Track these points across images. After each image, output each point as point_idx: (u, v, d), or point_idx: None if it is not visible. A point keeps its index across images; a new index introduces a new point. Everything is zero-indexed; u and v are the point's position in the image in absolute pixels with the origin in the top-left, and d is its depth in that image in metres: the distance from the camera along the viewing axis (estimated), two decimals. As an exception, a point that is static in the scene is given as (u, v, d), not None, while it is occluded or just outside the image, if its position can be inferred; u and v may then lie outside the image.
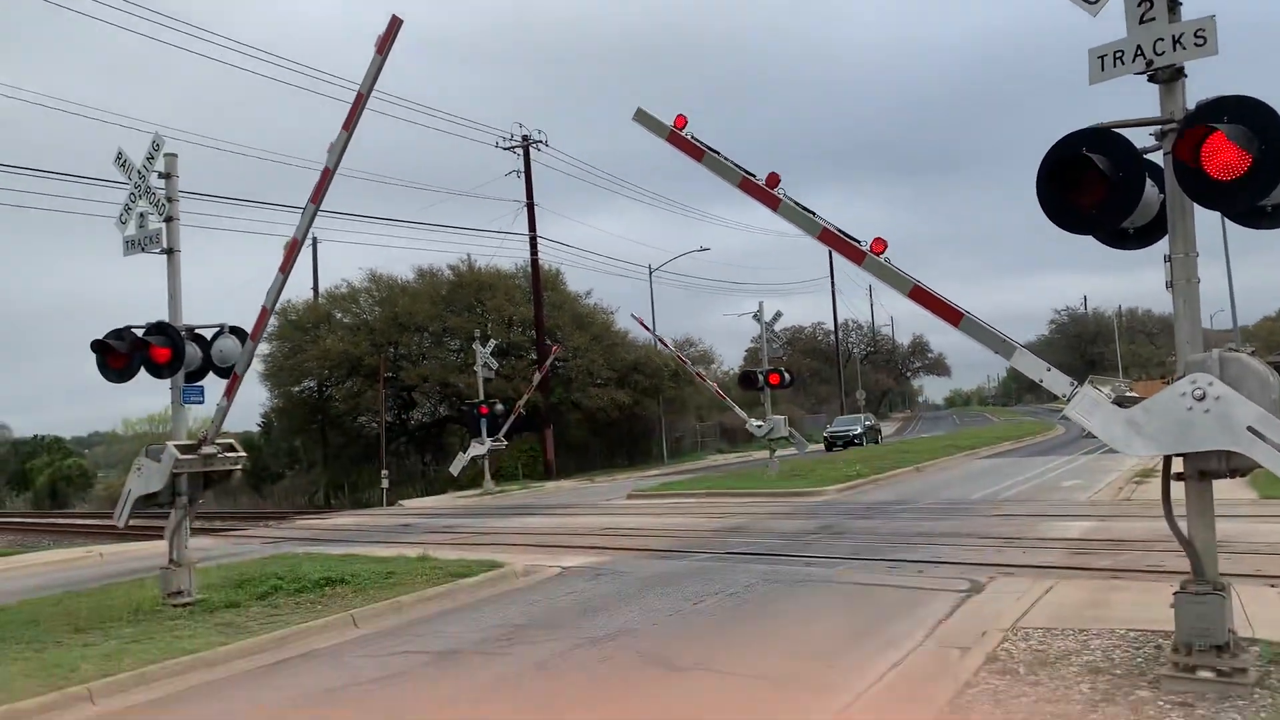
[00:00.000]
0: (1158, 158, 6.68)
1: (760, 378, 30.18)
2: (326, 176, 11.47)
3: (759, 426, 29.70)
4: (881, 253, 7.60)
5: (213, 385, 12.82)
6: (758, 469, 32.57)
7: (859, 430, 53.68)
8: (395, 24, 10.70)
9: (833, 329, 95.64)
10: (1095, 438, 6.65)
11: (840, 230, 7.96)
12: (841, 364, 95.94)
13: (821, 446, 51.84)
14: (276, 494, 51.05)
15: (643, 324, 37.35)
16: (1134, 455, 6.31)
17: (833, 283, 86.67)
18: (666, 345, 39.15)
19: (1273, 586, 9.27)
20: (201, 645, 9.45)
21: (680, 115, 8.77)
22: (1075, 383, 6.61)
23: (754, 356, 66.62)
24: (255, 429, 56.12)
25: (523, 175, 43.58)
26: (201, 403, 12.97)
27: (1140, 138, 6.69)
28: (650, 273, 59.17)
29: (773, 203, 8.28)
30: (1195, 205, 6.51)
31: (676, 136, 8.67)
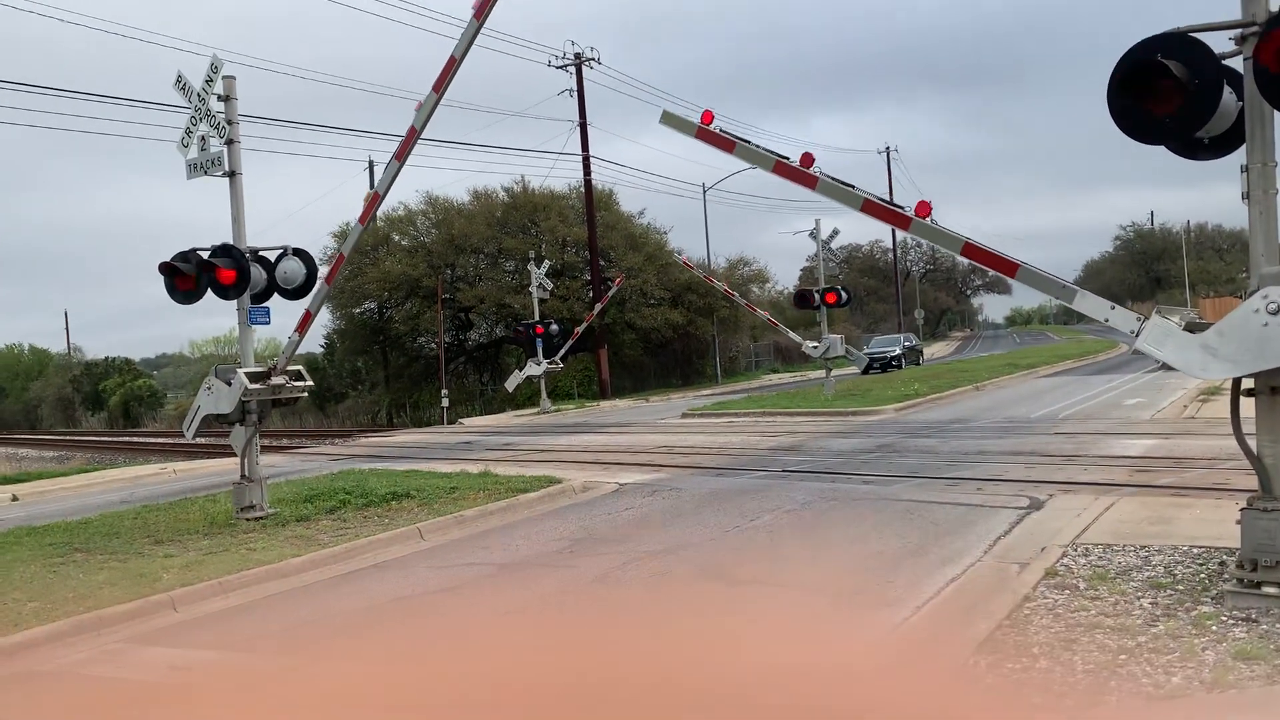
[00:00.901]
0: (1237, 63, 6.44)
1: (816, 297, 29.89)
2: (412, 136, 11.62)
3: (814, 347, 29.57)
4: (927, 216, 7.65)
5: (278, 306, 13.08)
6: (814, 388, 32.51)
7: (897, 351, 50.74)
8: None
9: (891, 247, 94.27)
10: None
11: (882, 199, 8.12)
12: (900, 283, 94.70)
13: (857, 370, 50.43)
14: (341, 413, 52.16)
15: (688, 264, 37.23)
16: (1213, 379, 6.19)
17: (891, 198, 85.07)
18: (715, 283, 38.41)
19: (1342, 505, 9.12)
20: (274, 557, 9.81)
21: (707, 111, 8.80)
22: (1142, 316, 6.47)
23: (810, 275, 65.96)
24: (319, 350, 57.18)
25: (575, 94, 43.10)
26: (267, 323, 13.25)
27: (1219, 43, 6.44)
28: (704, 192, 58.59)
29: (810, 182, 8.38)
30: (1276, 113, 6.29)
31: (705, 132, 8.72)
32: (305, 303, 12.90)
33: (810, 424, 22.74)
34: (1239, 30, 6.33)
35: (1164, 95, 6.23)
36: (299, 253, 12.78)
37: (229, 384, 12.08)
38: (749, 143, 8.65)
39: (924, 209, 7.57)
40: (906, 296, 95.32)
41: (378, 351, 50.81)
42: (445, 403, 35.99)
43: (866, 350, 52.16)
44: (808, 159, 8.34)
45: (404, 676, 1.46)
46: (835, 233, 33.69)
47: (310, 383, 12.93)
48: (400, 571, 9.46)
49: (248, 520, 11.90)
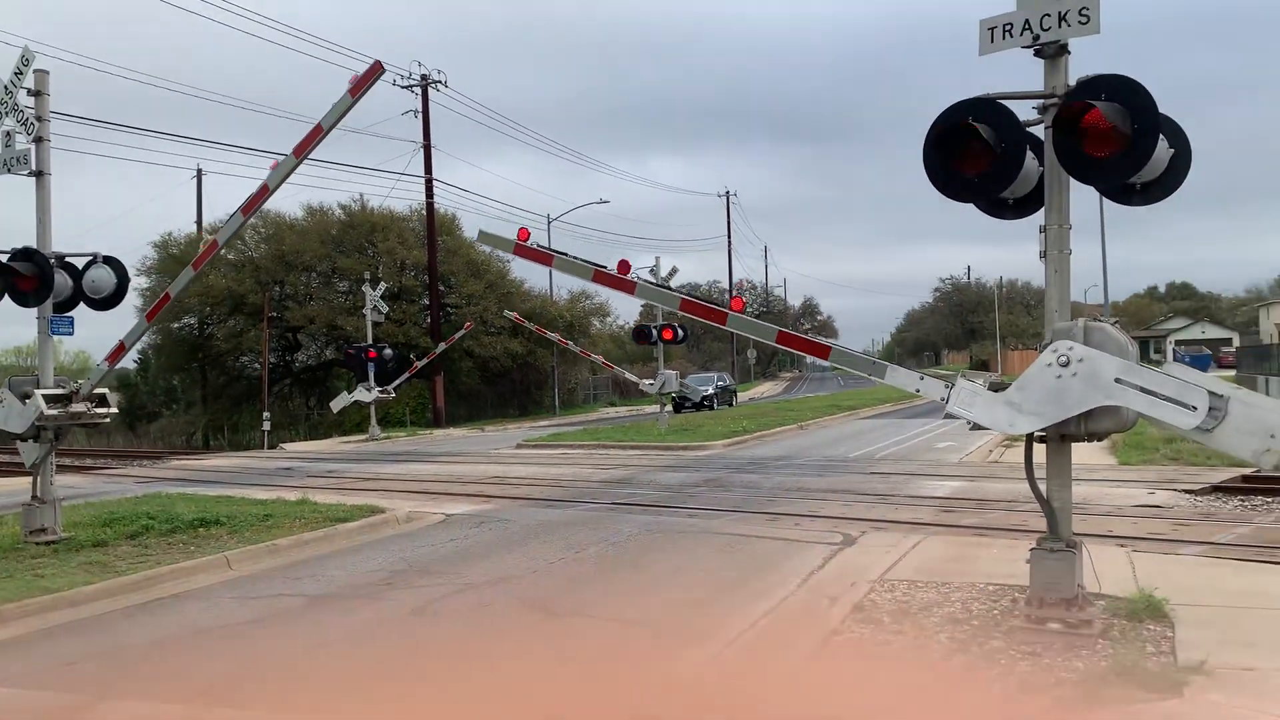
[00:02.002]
0: (1040, 131, 6.92)
1: (654, 333, 30.35)
2: (264, 193, 11.28)
3: (650, 384, 29.97)
4: (741, 309, 8.24)
5: (84, 317, 12.29)
6: (648, 422, 32.86)
7: (710, 391, 50.01)
8: (376, 70, 10.12)
9: (728, 288, 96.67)
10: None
11: (697, 298, 8.77)
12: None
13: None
14: (153, 433, 49.32)
15: (518, 319, 36.81)
16: (1022, 433, 6.53)
17: (729, 242, 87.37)
18: (548, 333, 37.35)
19: (1122, 547, 9.82)
20: (64, 584, 9.13)
21: (522, 229, 9.37)
22: (948, 383, 6.83)
23: (650, 311, 66.97)
24: (132, 366, 54.01)
25: (420, 115, 42.54)
26: (70, 334, 12.41)
27: (1024, 111, 6.92)
28: (549, 223, 58.71)
29: (629, 287, 9.06)
30: (1071, 179, 6.78)
31: (522, 248, 9.04)
32: (121, 316, 12.20)
33: (642, 457, 22.95)
34: (1041, 100, 6.82)
35: (973, 156, 6.63)
36: (109, 260, 12.03)
37: (24, 401, 11.23)
38: (566, 255, 9.26)
39: (737, 304, 8.19)
40: (740, 336, 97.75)
41: (196, 370, 48.41)
42: (266, 426, 34.54)
43: (678, 389, 51.39)
44: (624, 266, 9.06)
45: (197, 716, 1.37)
46: (674, 270, 34.20)
47: (115, 410, 12.12)
48: (203, 602, 8.97)
49: (38, 544, 11.04)
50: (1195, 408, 5.91)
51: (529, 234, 9.25)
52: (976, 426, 6.71)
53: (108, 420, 12.13)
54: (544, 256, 9.07)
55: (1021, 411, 6.45)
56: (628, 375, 32.70)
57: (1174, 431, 6.30)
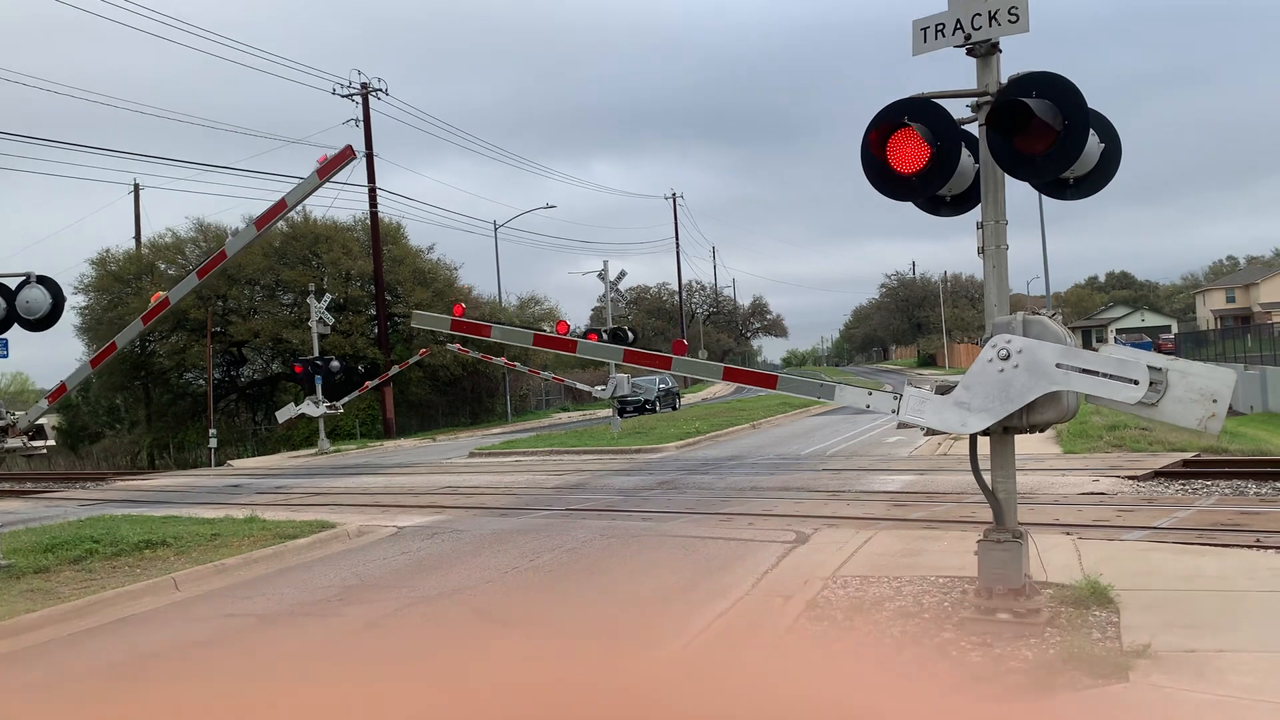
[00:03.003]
0: (974, 129, 7.03)
1: (604, 336, 30.33)
2: (221, 258, 11.18)
3: (602, 390, 29.95)
4: (684, 353, 8.37)
5: (20, 336, 12.00)
6: (601, 426, 32.84)
7: (652, 395, 48.75)
8: (347, 155, 9.92)
9: (677, 289, 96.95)
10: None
11: (643, 350, 8.99)
12: (685, 324, 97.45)
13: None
14: (96, 454, 48.25)
15: (461, 350, 35.46)
16: (975, 431, 6.59)
17: (677, 244, 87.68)
18: (495, 360, 36.28)
19: (1068, 534, 10.00)
20: (5, 613, 8.90)
21: (458, 304, 9.89)
22: (897, 393, 6.88)
23: (600, 315, 66.88)
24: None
25: (361, 124, 42.16)
26: (5, 356, 12.15)
27: (958, 109, 7.02)
28: (495, 229, 58.44)
29: (570, 347, 9.15)
30: (1006, 176, 6.90)
31: (459, 324, 9.17)
32: (58, 335, 11.92)
33: (596, 462, 22.92)
34: (974, 98, 6.92)
35: (910, 155, 6.71)
36: (44, 280, 11.74)
37: (-45, 433, 10.93)
38: (502, 323, 9.34)
39: (680, 348, 8.32)
40: (691, 337, 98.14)
41: (139, 388, 47.45)
42: (213, 443, 33.96)
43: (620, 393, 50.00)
44: (563, 326, 9.21)
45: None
46: (623, 274, 34.28)
47: (52, 441, 11.81)
48: (150, 625, 8.79)
49: (-25, 574, 10.75)
50: (1137, 381, 6.02)
51: (463, 309, 9.82)
52: (931, 432, 6.76)
53: (44, 451, 11.84)
54: (482, 328, 9.22)
55: (971, 410, 6.52)
56: (578, 386, 32.71)
57: (1120, 409, 6.41)
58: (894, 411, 6.80)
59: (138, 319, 11.92)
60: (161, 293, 11.40)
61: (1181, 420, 6.11)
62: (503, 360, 36.13)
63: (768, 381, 7.95)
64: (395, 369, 36.96)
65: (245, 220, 48.30)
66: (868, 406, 7.18)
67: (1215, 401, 5.93)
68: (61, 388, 11.78)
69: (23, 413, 11.57)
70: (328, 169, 9.96)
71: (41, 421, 11.56)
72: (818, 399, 7.55)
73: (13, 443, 11.10)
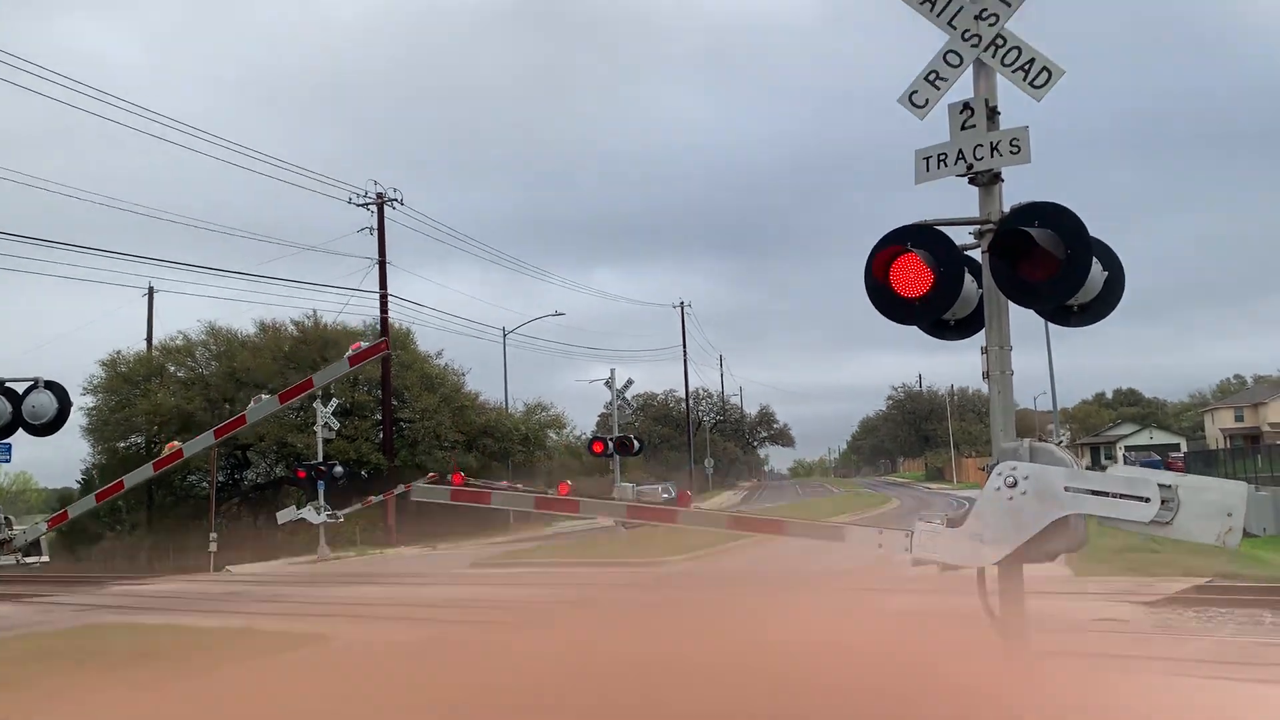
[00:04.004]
0: (977, 254, 7.09)
1: (610, 445, 30.27)
2: (240, 422, 11.05)
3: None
4: (688, 504, 8.66)
5: (23, 437, 11.98)
6: (604, 537, 32.43)
7: (658, 504, 48.16)
8: (380, 349, 10.31)
9: (684, 397, 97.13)
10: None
11: (647, 503, 9.15)
12: (692, 432, 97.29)
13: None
14: (95, 556, 47.74)
15: (457, 480, 35.64)
16: (992, 563, 6.44)
17: (685, 353, 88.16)
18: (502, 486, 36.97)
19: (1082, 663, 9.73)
20: (-14, 729, 8.67)
21: (457, 473, 10.06)
22: (909, 530, 6.77)
23: (607, 422, 66.83)
24: (75, 485, 52.64)
25: (375, 232, 42.95)
26: (8, 460, 12.14)
27: (961, 236, 7.10)
28: (504, 335, 58.94)
29: (573, 508, 9.22)
30: (1009, 302, 6.93)
31: (459, 492, 9.43)
32: (65, 435, 11.92)
33: (599, 575, 22.55)
34: (977, 226, 7.00)
35: (913, 281, 6.76)
36: (51, 385, 11.80)
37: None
38: (503, 488, 9.57)
39: (684, 499, 8.48)
40: (698, 446, 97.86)
41: (142, 489, 47.24)
42: (213, 548, 33.60)
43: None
44: (564, 488, 9.52)
45: None
46: (630, 382, 34.50)
47: (46, 558, 11.65)
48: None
49: (-40, 685, 10.50)
50: (1149, 499, 5.91)
51: (463, 479, 10.32)
52: (947, 567, 6.62)
53: (37, 566, 11.71)
54: (482, 495, 9.40)
55: (985, 541, 6.36)
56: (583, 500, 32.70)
57: (1134, 530, 6.26)
58: (908, 550, 6.64)
59: (149, 464, 11.87)
60: (177, 443, 11.51)
61: (1199, 537, 5.98)
62: (504, 484, 36.06)
63: (776, 528, 7.85)
64: (400, 489, 36.90)
65: (257, 325, 48.91)
66: (880, 547, 7.04)
67: (1230, 515, 5.83)
68: (64, 515, 11.84)
69: (21, 529, 11.42)
70: (359, 359, 10.04)
71: (39, 536, 11.43)
72: (829, 539, 7.43)
73: (4, 560, 10.96)
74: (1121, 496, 6.00)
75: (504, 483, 9.37)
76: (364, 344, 10.01)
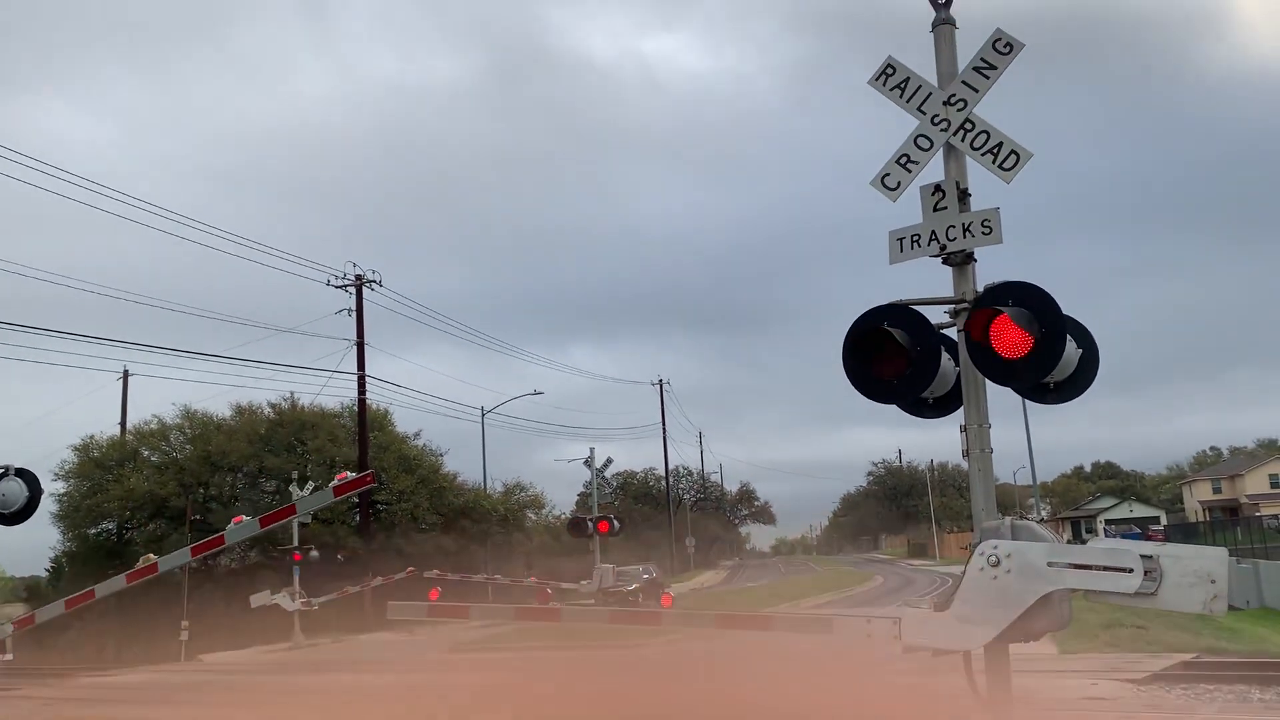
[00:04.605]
0: (953, 333, 7.16)
1: (590, 525, 29.99)
2: (219, 542, 11.44)
3: (587, 584, 29.40)
4: (670, 605, 8.81)
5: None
6: (580, 608, 31.89)
7: (634, 586, 46.30)
8: (367, 481, 10.27)
9: (664, 475, 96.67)
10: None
11: (629, 609, 9.37)
12: (672, 510, 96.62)
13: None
14: (62, 645, 46.52)
15: (434, 598, 35.28)
16: (983, 645, 6.37)
17: (664, 431, 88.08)
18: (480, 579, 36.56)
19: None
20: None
21: (434, 589, 10.28)
22: (895, 618, 6.72)
23: (585, 502, 66.35)
24: (44, 573, 51.52)
25: (354, 313, 42.97)
26: (-24, 550, 11.83)
27: (936, 315, 7.17)
28: (483, 415, 58.75)
29: (554, 616, 9.27)
30: (987, 380, 6.98)
31: (438, 609, 9.68)
32: (34, 524, 11.71)
33: (585, 660, 22.11)
34: (952, 306, 7.09)
35: (890, 360, 6.81)
36: (22, 473, 11.63)
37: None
38: (480, 605, 9.76)
39: (667, 601, 8.59)
40: (679, 524, 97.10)
41: (112, 576, 46.38)
42: (185, 636, 32.85)
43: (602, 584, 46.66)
44: (544, 595, 9.66)
45: None
46: (609, 461, 34.33)
47: (10, 656, 11.38)
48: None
49: (-83, 786, 10.14)
50: (1131, 569, 5.88)
51: (439, 593, 10.03)
52: (939, 652, 6.54)
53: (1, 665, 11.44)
54: (460, 610, 9.58)
55: (974, 623, 6.29)
56: (562, 585, 32.30)
57: (1120, 602, 6.21)
58: (897, 637, 6.56)
59: (122, 575, 11.70)
60: (153, 556, 11.56)
61: (1184, 606, 5.94)
62: (483, 577, 35.70)
63: (763, 624, 7.79)
64: (378, 580, 36.44)
65: (232, 408, 48.53)
66: (869, 635, 6.97)
67: (1214, 582, 5.79)
68: (30, 619, 11.64)
69: None
70: (343, 490, 10.06)
71: (5, 639, 11.15)
72: (822, 632, 7.33)
73: None
74: (1104, 569, 5.99)
75: (481, 575, 9.34)
76: (350, 474, 9.96)
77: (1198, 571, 5.82)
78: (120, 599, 46.02)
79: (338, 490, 9.88)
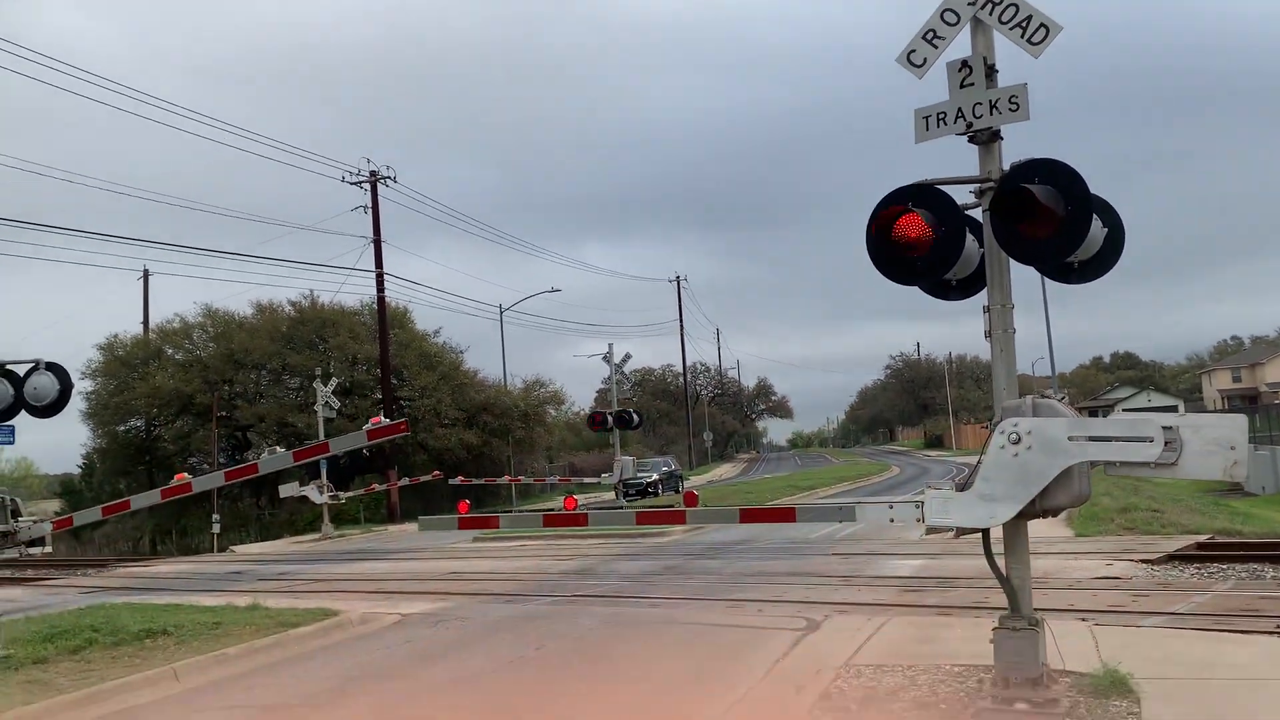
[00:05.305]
0: (978, 214, 7.10)
1: (609, 419, 30.30)
2: (253, 470, 11.51)
3: (608, 476, 29.88)
4: (695, 504, 9.02)
5: (24, 422, 12.00)
6: (605, 511, 32.52)
7: (654, 478, 46.17)
8: (401, 428, 10.22)
9: (682, 371, 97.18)
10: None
11: (656, 509, 9.44)
12: (690, 406, 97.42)
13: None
14: (98, 540, 47.93)
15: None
16: (1005, 521, 6.45)
17: (681, 328, 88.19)
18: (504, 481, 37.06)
19: (1083, 620, 9.82)
20: (2, 705, 8.73)
21: (463, 502, 10.19)
22: (918, 500, 6.80)
23: (605, 397, 66.92)
24: (76, 470, 52.76)
25: (370, 210, 42.76)
26: (11, 443, 12.15)
27: (961, 194, 7.10)
28: (501, 313, 58.90)
29: (581, 520, 9.55)
30: (1011, 260, 6.94)
31: (467, 521, 10.10)
32: (65, 420, 11.93)
33: (601, 546, 22.64)
34: (978, 185, 7.00)
35: (915, 241, 6.77)
36: (52, 367, 11.79)
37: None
38: (511, 505, 9.71)
39: (691, 499, 8.76)
40: (696, 419, 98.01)
41: (143, 473, 47.36)
42: (216, 529, 33.71)
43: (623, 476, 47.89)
44: (570, 502, 9.73)
45: None
46: (627, 356, 34.38)
47: (49, 548, 11.68)
48: (152, 718, 8.61)
49: (-27, 665, 10.58)
50: (1152, 438, 5.94)
51: (468, 506, 10.17)
52: (962, 531, 6.65)
53: (39, 557, 11.81)
54: (490, 521, 9.77)
55: (996, 500, 6.38)
56: (584, 480, 32.95)
57: (1141, 473, 6.30)
58: (920, 520, 6.67)
59: (156, 491, 11.92)
60: (186, 475, 11.69)
61: (1206, 473, 6.02)
62: (507, 479, 36.37)
63: (787, 516, 7.90)
64: (405, 480, 37.20)
65: (253, 306, 48.82)
66: (892, 520, 7.10)
67: (1234, 449, 5.85)
68: (69, 520, 11.92)
69: (27, 522, 11.42)
70: (376, 434, 10.20)
71: (43, 533, 11.44)
72: (839, 520, 7.45)
73: (9, 553, 11.00)
74: (1125, 440, 6.03)
75: (505, 477, 9.54)
76: (384, 420, 10.19)
77: (1217, 439, 5.87)
78: (152, 494, 47.17)
79: (371, 434, 10.11)
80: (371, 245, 42.86)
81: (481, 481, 36.30)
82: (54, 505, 52.88)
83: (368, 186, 42.62)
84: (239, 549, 32.80)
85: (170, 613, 13.58)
